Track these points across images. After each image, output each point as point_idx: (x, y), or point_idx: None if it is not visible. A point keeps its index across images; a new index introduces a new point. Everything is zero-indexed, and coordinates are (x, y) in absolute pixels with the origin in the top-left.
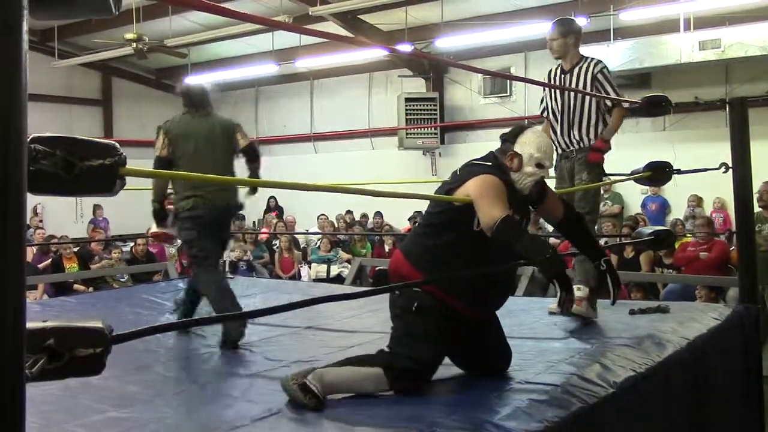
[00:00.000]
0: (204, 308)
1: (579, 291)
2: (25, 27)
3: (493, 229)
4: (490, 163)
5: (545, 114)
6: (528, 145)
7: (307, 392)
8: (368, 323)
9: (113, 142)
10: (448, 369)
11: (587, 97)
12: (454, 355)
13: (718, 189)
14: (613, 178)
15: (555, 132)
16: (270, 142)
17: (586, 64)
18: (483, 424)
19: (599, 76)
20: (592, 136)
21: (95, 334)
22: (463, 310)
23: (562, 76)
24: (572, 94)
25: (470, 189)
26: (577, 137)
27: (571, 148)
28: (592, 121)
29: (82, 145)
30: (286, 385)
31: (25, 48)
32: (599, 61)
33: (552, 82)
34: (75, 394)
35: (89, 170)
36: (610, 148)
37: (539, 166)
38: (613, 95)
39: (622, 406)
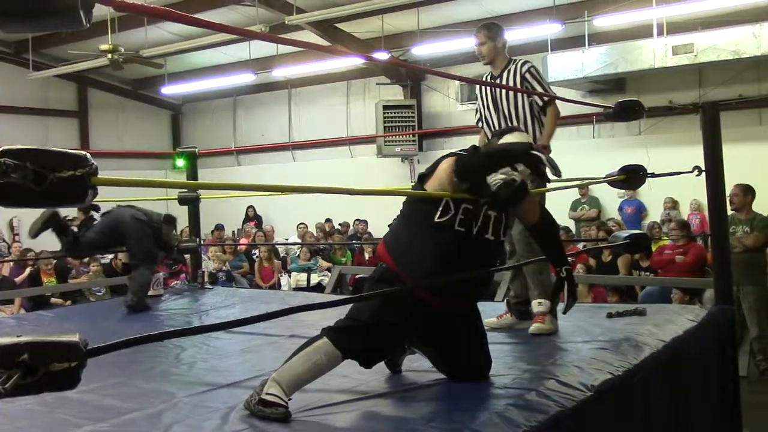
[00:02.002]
0: (184, 319)
1: (540, 306)
2: None
3: (456, 173)
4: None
5: (480, 124)
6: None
7: (269, 405)
8: None
9: (83, 153)
10: (426, 375)
11: (519, 101)
12: (422, 345)
13: (695, 191)
14: (587, 181)
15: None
16: (248, 152)
17: (514, 66)
18: (462, 430)
19: (527, 75)
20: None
21: (70, 348)
22: (420, 293)
23: (492, 81)
24: (504, 100)
25: (436, 175)
26: None
27: None
28: (528, 126)
29: (52, 157)
30: (249, 407)
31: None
32: (527, 61)
33: (482, 91)
34: (52, 409)
35: (60, 181)
36: (550, 152)
37: (513, 168)
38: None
39: (601, 409)
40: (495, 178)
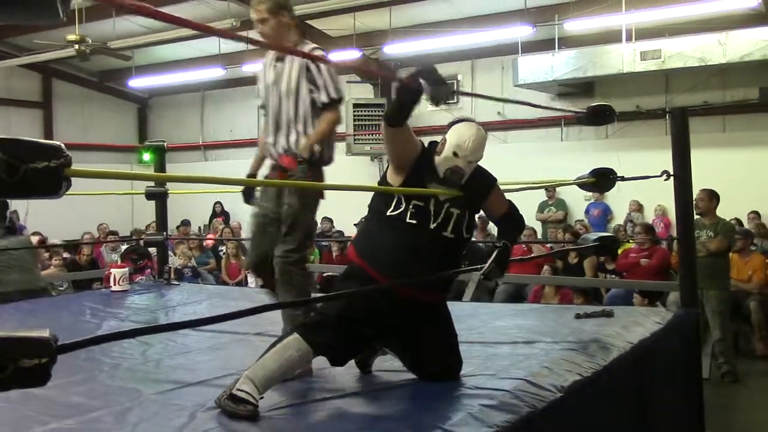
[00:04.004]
0: (150, 315)
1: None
2: None
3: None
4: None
5: (263, 112)
6: (454, 133)
7: (238, 402)
8: None
9: (58, 143)
10: (397, 375)
11: (294, 93)
12: (393, 345)
13: (660, 196)
14: (557, 183)
15: (266, 134)
16: (216, 147)
17: (303, 50)
18: (434, 430)
19: (312, 65)
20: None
21: (40, 344)
22: (384, 282)
23: (275, 63)
24: (279, 88)
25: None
26: (284, 145)
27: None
28: (300, 126)
29: (26, 147)
30: (220, 403)
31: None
32: (317, 48)
33: (264, 71)
34: (16, 406)
35: (34, 173)
36: (314, 155)
37: (454, 154)
38: (324, 93)
39: (570, 410)
40: (441, 165)
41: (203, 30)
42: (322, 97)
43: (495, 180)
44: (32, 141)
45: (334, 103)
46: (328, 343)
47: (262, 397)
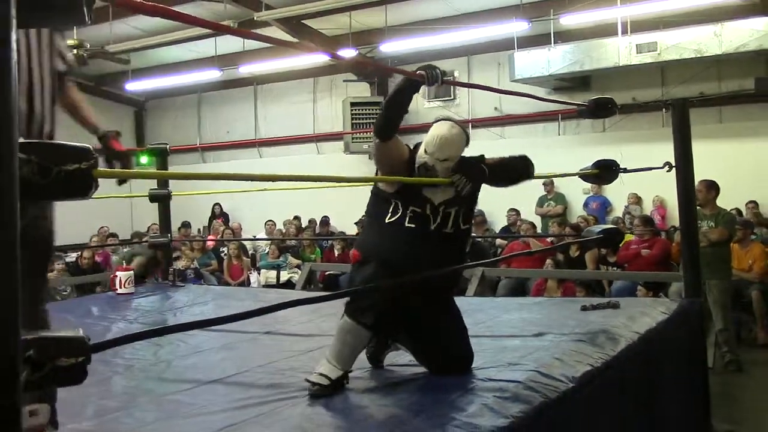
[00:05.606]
0: (159, 316)
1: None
2: (14, 36)
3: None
4: None
5: None
6: (428, 132)
7: (311, 383)
8: (325, 326)
9: (87, 146)
10: (408, 369)
11: (43, 60)
12: (407, 342)
13: (657, 187)
14: (560, 174)
15: None
16: (214, 149)
17: None
18: (451, 422)
19: None
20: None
21: (76, 343)
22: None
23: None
24: (23, 54)
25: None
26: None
27: None
28: (47, 95)
29: (58, 150)
30: None
31: (14, 58)
32: None
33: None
34: None
35: (66, 175)
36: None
37: (425, 151)
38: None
39: (582, 400)
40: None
41: (205, 26)
42: (68, 62)
43: (481, 156)
44: (63, 143)
45: (68, 78)
46: (365, 306)
47: (350, 370)
